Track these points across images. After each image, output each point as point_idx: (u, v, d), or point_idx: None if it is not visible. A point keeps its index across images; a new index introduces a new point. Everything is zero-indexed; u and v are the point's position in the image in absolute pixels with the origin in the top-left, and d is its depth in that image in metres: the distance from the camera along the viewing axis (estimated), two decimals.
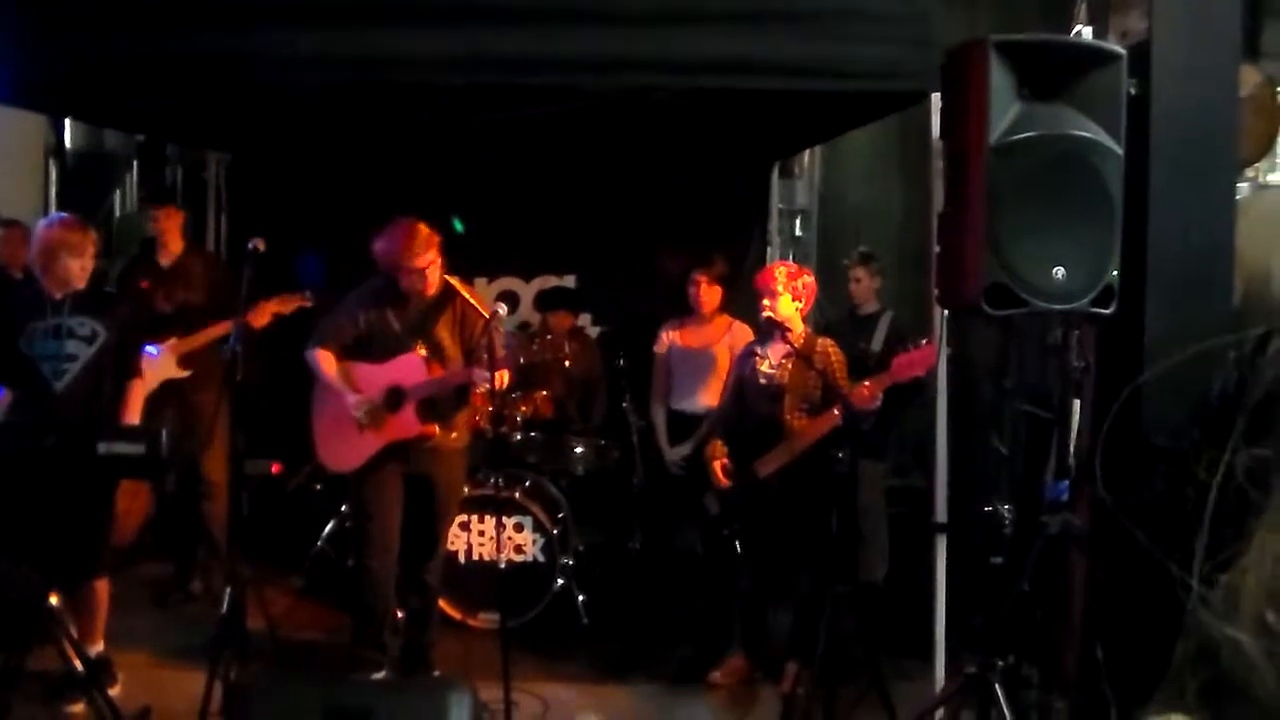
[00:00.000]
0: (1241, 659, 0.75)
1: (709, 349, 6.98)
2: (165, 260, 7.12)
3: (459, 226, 7.70)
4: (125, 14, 4.93)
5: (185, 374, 6.82)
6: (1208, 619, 0.78)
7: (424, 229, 5.61)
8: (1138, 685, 4.01)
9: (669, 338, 7.14)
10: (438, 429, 5.71)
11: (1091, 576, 4.71)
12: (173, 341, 6.78)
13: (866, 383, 5.48)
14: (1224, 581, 0.80)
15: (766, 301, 5.83)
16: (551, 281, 8.81)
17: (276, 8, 4.91)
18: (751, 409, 5.97)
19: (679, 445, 7.01)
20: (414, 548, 5.83)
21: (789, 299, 5.84)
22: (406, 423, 5.62)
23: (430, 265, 5.62)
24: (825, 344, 5.88)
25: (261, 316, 6.60)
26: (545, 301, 8.32)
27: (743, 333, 6.84)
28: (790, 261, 7.59)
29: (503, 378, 5.45)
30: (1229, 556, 0.80)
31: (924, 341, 5.33)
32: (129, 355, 5.65)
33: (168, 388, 6.75)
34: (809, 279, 6.00)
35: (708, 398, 6.87)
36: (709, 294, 6.95)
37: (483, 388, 5.65)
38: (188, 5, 4.92)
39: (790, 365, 5.85)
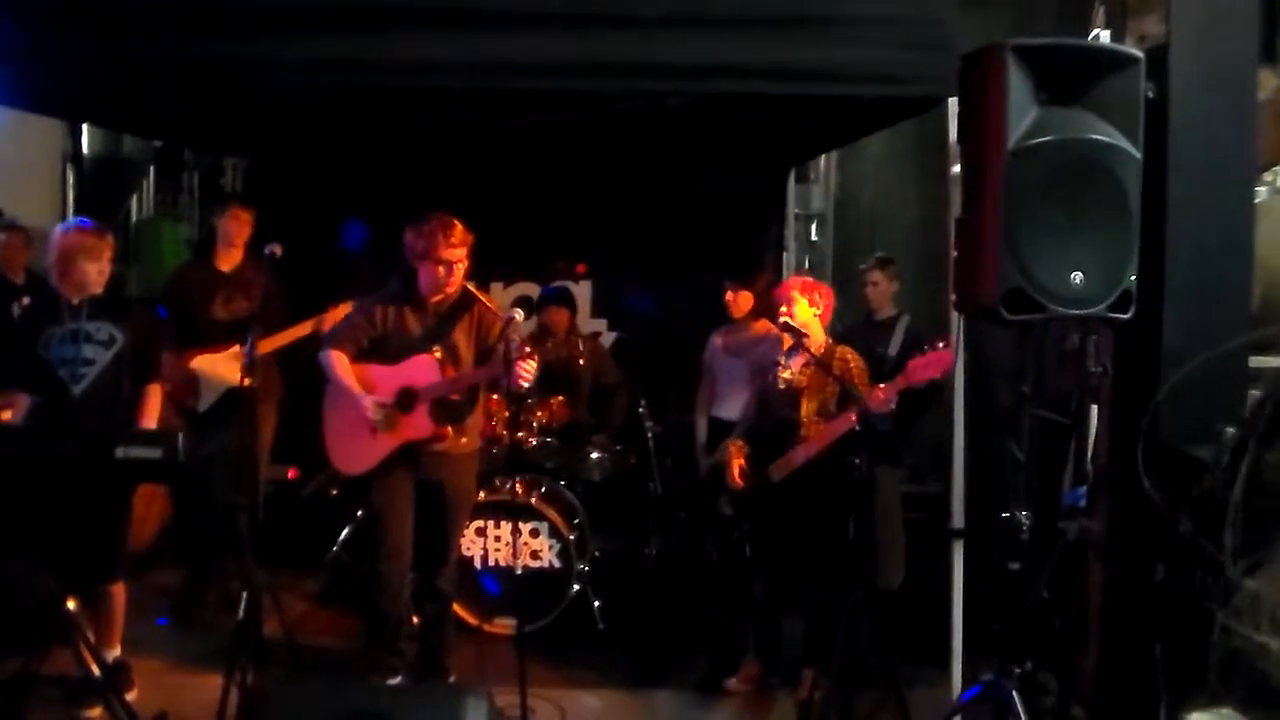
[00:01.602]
0: (1276, 662, 0.75)
1: (748, 357, 6.92)
2: (225, 266, 7.02)
3: None
4: (142, 20, 4.95)
5: (250, 383, 6.69)
6: (1236, 625, 0.78)
7: (460, 226, 5.59)
8: (1162, 686, 4.00)
9: (714, 344, 7.10)
10: (450, 431, 5.70)
11: (1109, 582, 4.70)
12: (235, 349, 6.56)
13: (881, 386, 5.46)
14: (1249, 588, 0.80)
15: (784, 308, 5.83)
16: (549, 285, 8.76)
17: (292, 13, 4.92)
18: (771, 414, 5.96)
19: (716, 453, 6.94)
20: (427, 554, 5.82)
21: (805, 304, 5.84)
22: (419, 424, 5.60)
23: (459, 261, 5.60)
24: (844, 351, 5.85)
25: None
26: (541, 300, 8.24)
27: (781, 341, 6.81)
28: (807, 274, 7.58)
29: (531, 370, 5.39)
30: (1255, 563, 0.79)
31: (940, 344, 5.31)
32: (147, 359, 5.66)
33: (230, 398, 6.63)
34: (826, 289, 6.01)
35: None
36: (736, 300, 6.90)
37: (503, 390, 5.63)
38: (205, 11, 4.94)
39: (810, 372, 5.84)
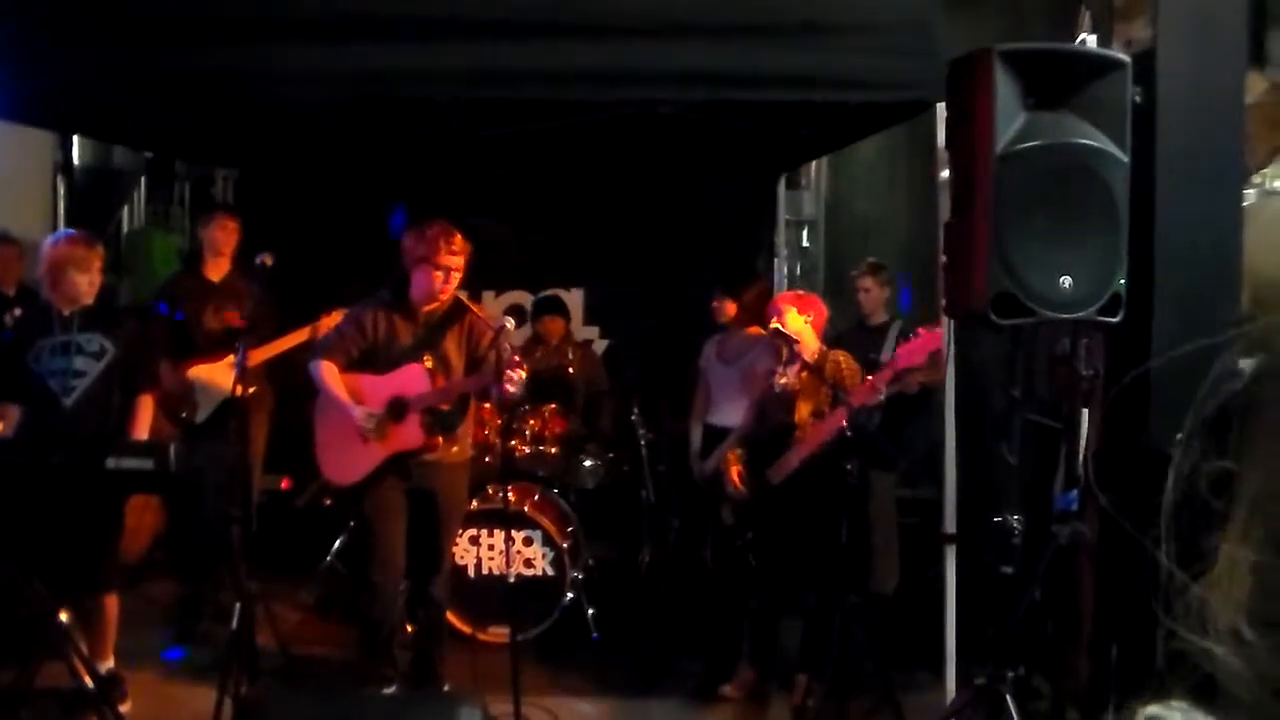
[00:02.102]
0: (1221, 667, 0.75)
1: (739, 363, 6.90)
2: (214, 275, 7.02)
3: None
4: (133, 31, 4.95)
5: (250, 391, 6.69)
6: (1182, 632, 0.78)
7: (460, 235, 5.61)
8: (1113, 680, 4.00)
9: (708, 352, 7.09)
10: (441, 440, 5.70)
11: (1100, 585, 4.70)
12: (229, 359, 6.54)
13: (870, 376, 5.47)
14: (1193, 593, 0.80)
15: (774, 319, 5.83)
16: (544, 294, 8.76)
17: (283, 24, 4.92)
18: (768, 421, 5.96)
19: (709, 459, 6.92)
20: (420, 563, 5.82)
21: (795, 312, 5.84)
22: (410, 434, 5.61)
23: (456, 269, 5.61)
24: (838, 355, 5.86)
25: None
26: (536, 308, 8.28)
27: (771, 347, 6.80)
28: (799, 281, 7.59)
29: (521, 377, 5.39)
30: (1200, 570, 0.80)
31: (921, 330, 5.31)
32: (138, 370, 5.66)
33: (226, 408, 6.62)
34: (816, 300, 6.03)
35: (739, 412, 6.81)
36: (722, 306, 6.90)
37: (495, 399, 5.63)
38: (195, 23, 4.94)
39: (804, 376, 5.84)
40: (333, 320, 6.35)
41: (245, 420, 5.90)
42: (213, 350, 6.76)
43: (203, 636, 6.66)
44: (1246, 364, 0.80)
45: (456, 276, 5.65)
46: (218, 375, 6.68)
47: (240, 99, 5.78)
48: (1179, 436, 0.83)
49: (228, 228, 7.05)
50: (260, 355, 6.55)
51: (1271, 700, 0.74)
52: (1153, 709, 0.81)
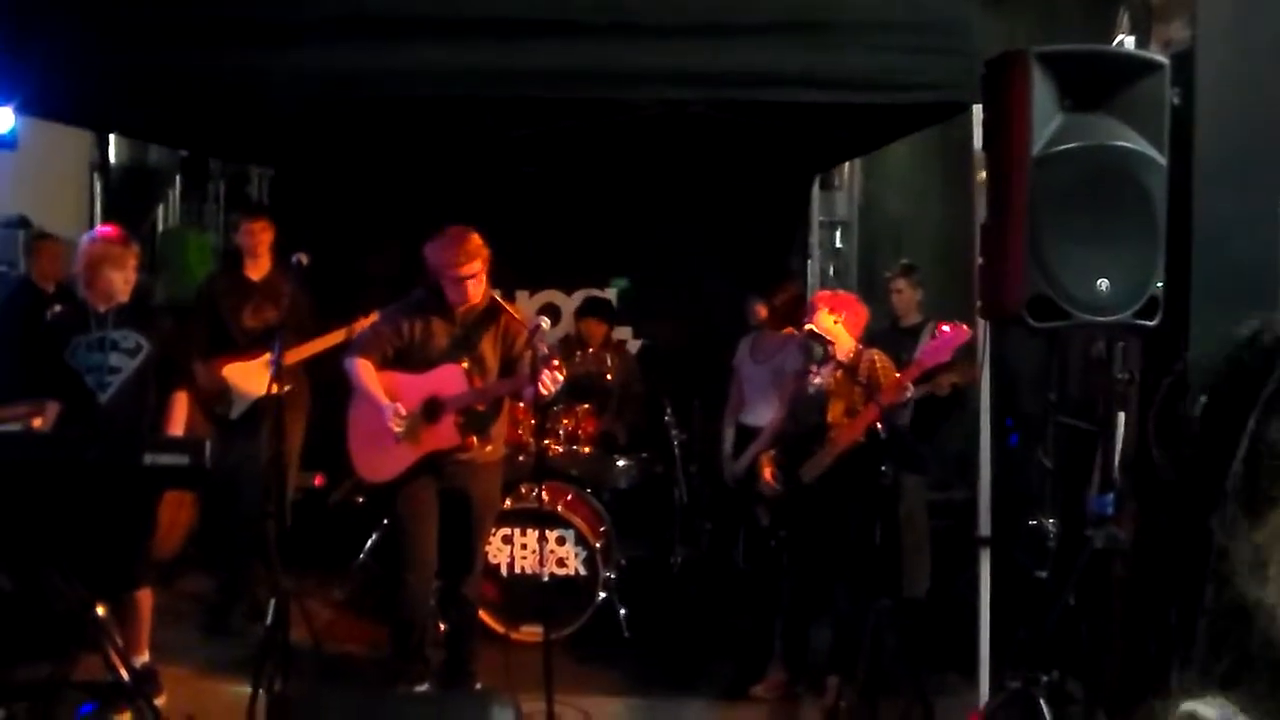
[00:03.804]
0: (1271, 623, 0.75)
1: (771, 363, 6.90)
2: (254, 275, 7.05)
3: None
4: (169, 31, 4.98)
5: (285, 389, 6.71)
6: (1237, 581, 0.78)
7: (475, 238, 5.60)
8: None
9: (742, 352, 7.08)
10: (475, 441, 5.71)
11: (1135, 590, 4.67)
12: (266, 357, 6.63)
13: (898, 373, 5.46)
14: (1251, 545, 0.80)
15: (807, 319, 5.82)
16: (593, 294, 8.77)
17: (318, 24, 4.94)
18: (802, 420, 5.94)
19: (740, 460, 6.90)
20: (451, 562, 5.83)
21: (826, 313, 5.80)
22: (444, 434, 5.62)
23: (473, 277, 5.62)
24: (872, 354, 5.83)
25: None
26: (581, 310, 8.30)
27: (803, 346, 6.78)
28: (831, 281, 7.57)
29: (556, 380, 5.38)
30: (1259, 524, 0.80)
31: (944, 326, 5.29)
32: (173, 367, 5.69)
33: (260, 406, 6.63)
34: (848, 297, 6.01)
35: (772, 412, 6.79)
36: (758, 307, 6.89)
37: (529, 399, 5.63)
38: (230, 22, 4.96)
39: (837, 375, 5.82)
40: (369, 323, 6.36)
41: (281, 418, 5.92)
42: (250, 348, 6.79)
43: (233, 631, 6.71)
44: None
45: (475, 283, 5.65)
46: (252, 374, 6.71)
47: (273, 98, 5.80)
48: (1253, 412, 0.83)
49: (253, 231, 7.08)
50: (296, 355, 6.54)
51: None
52: (1189, 704, 0.81)
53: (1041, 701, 4.37)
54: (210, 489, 6.54)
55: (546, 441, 7.25)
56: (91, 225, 7.59)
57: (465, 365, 5.63)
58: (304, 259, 5.63)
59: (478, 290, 5.68)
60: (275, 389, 5.34)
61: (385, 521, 7.34)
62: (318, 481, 8.12)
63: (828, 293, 6.24)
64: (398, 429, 5.57)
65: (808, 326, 5.77)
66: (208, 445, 4.94)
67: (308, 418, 7.25)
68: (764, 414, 6.62)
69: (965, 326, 5.20)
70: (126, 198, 9.49)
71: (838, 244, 11.05)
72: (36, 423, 5.44)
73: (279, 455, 5.74)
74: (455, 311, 5.70)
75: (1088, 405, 5.65)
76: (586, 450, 7.48)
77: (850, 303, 5.96)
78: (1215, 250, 4.38)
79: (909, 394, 5.42)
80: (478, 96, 5.72)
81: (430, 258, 5.63)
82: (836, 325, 5.82)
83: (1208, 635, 0.82)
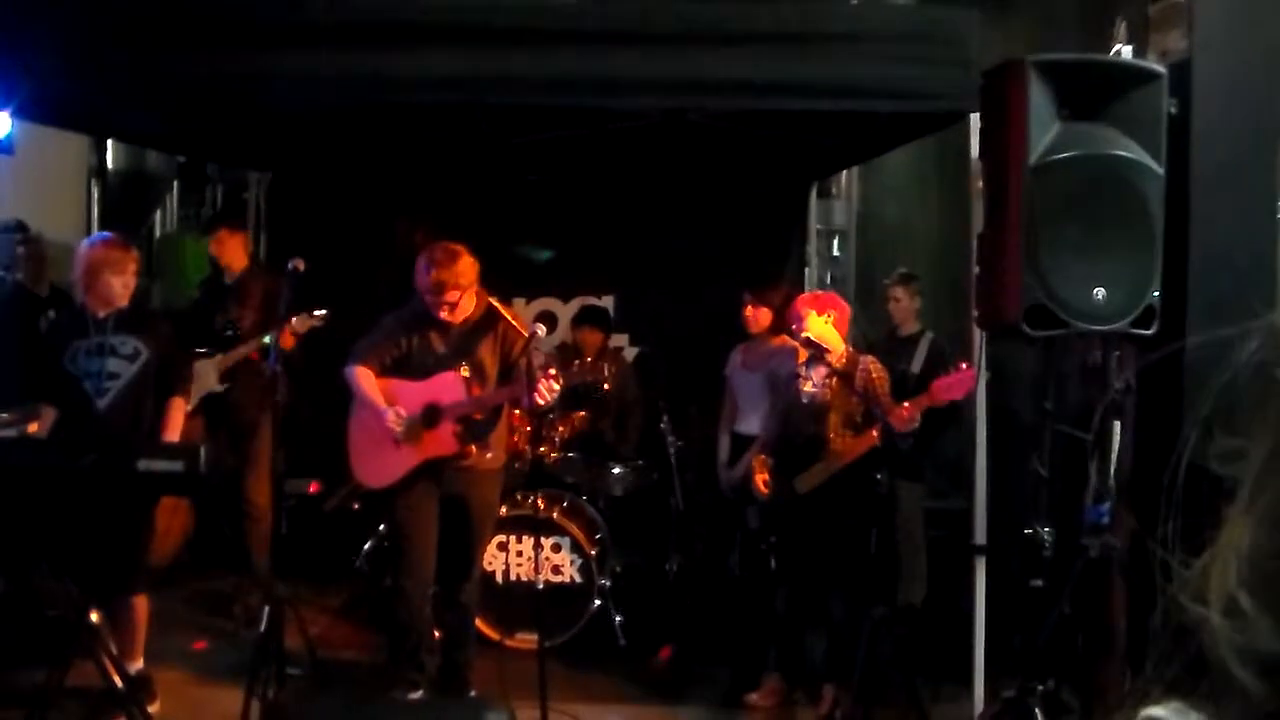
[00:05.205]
0: (1211, 639, 0.75)
1: (763, 370, 6.88)
2: (229, 279, 7.21)
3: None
4: (166, 37, 4.99)
5: (221, 388, 6.86)
6: (1182, 598, 0.79)
7: (456, 265, 5.54)
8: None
9: (735, 360, 7.07)
10: (474, 449, 5.71)
11: (1131, 599, 4.67)
12: (218, 357, 6.86)
13: (905, 404, 5.45)
14: (1198, 563, 0.81)
15: (795, 326, 5.80)
16: (590, 302, 8.76)
17: (315, 30, 4.95)
18: (797, 429, 5.93)
19: (735, 468, 6.88)
20: (449, 568, 5.83)
21: (814, 314, 5.78)
22: (443, 440, 5.62)
23: (453, 303, 5.58)
24: (867, 361, 5.81)
25: (284, 339, 6.56)
26: (577, 318, 8.29)
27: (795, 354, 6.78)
28: (829, 289, 7.57)
29: (552, 390, 5.38)
30: (1205, 542, 0.81)
31: (963, 365, 5.30)
32: (171, 373, 5.69)
33: (212, 405, 6.83)
34: (834, 297, 6.01)
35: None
36: (755, 315, 6.88)
37: (525, 406, 5.63)
38: (228, 27, 4.97)
39: (833, 384, 5.81)
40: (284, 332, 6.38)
41: (277, 420, 5.92)
42: (215, 349, 6.95)
43: (228, 637, 6.70)
44: (1261, 345, 0.81)
45: (459, 305, 5.64)
46: (200, 372, 6.74)
47: (271, 103, 5.81)
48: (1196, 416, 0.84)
49: (219, 240, 7.26)
50: (228, 360, 6.89)
51: (1256, 679, 0.74)
52: (1150, 710, 0.82)
53: (1037, 710, 4.37)
54: (206, 495, 6.59)
55: (542, 449, 7.25)
56: (89, 230, 7.62)
57: (464, 372, 5.63)
58: (300, 265, 5.63)
59: (461, 312, 5.66)
60: (275, 390, 5.34)
61: (381, 528, 7.34)
62: (312, 488, 8.11)
63: (808, 295, 6.21)
64: (397, 429, 5.57)
65: (804, 335, 5.75)
66: (203, 452, 4.94)
67: (276, 421, 7.24)
68: (758, 422, 6.61)
69: (972, 371, 5.20)
70: (124, 203, 9.48)
71: (835, 252, 11.03)
72: (32, 428, 5.43)
73: (279, 456, 5.74)
74: (453, 321, 5.69)
75: (1084, 414, 5.66)
76: (582, 458, 7.47)
77: (834, 300, 5.95)
78: (1212, 259, 4.38)
79: (916, 424, 5.42)
80: (475, 103, 5.72)
81: (416, 277, 5.63)
82: (828, 325, 5.80)
83: (1156, 650, 0.83)
